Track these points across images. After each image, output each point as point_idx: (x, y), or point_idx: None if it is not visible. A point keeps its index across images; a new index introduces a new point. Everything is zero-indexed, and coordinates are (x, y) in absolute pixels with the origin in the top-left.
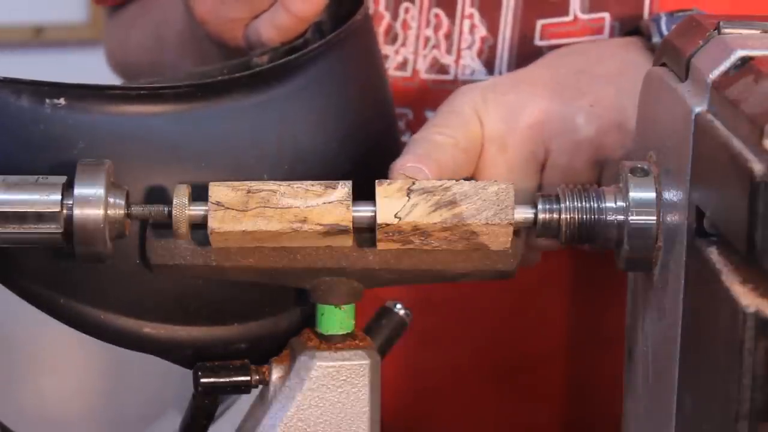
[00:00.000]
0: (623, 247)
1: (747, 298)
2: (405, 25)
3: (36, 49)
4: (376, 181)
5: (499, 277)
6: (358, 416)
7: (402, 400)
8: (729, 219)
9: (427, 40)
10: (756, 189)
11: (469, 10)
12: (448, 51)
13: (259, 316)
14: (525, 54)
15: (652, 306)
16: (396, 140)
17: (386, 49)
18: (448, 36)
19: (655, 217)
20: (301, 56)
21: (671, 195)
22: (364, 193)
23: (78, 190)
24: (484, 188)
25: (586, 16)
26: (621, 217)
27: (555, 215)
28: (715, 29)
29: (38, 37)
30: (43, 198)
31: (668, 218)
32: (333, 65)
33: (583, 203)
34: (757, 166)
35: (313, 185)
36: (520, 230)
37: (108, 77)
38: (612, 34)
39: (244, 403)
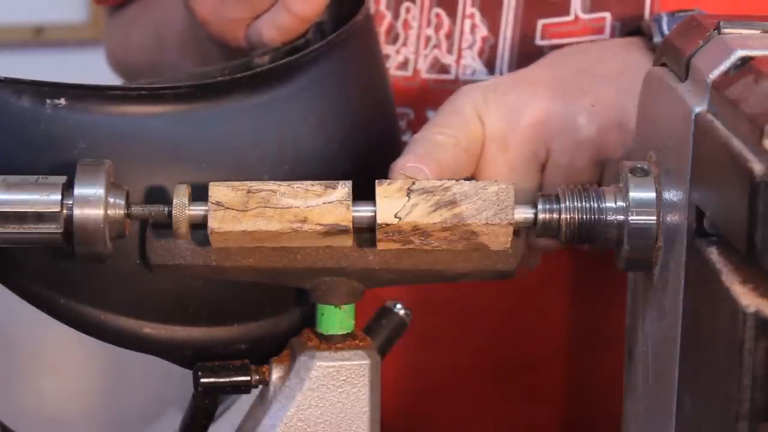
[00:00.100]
0: (623, 247)
1: (747, 298)
2: (406, 25)
3: (36, 49)
4: (376, 181)
5: (499, 277)
6: (358, 416)
7: (402, 400)
8: (729, 219)
9: (428, 39)
10: (756, 189)
11: (470, 9)
12: (449, 51)
13: (259, 316)
14: (526, 54)
15: (652, 306)
16: (397, 140)
17: (387, 49)
18: (449, 36)
19: (655, 217)
20: (302, 57)
21: (671, 195)
22: (364, 193)
23: (78, 190)
24: (484, 188)
25: (587, 16)
26: (621, 217)
27: (555, 215)
28: (715, 29)
29: (38, 37)
30: (43, 198)
31: (668, 218)
32: (334, 66)
33: (583, 203)
34: (757, 166)
35: (313, 185)
36: (520, 230)
37: (108, 77)
38: (613, 34)
39: (244, 403)
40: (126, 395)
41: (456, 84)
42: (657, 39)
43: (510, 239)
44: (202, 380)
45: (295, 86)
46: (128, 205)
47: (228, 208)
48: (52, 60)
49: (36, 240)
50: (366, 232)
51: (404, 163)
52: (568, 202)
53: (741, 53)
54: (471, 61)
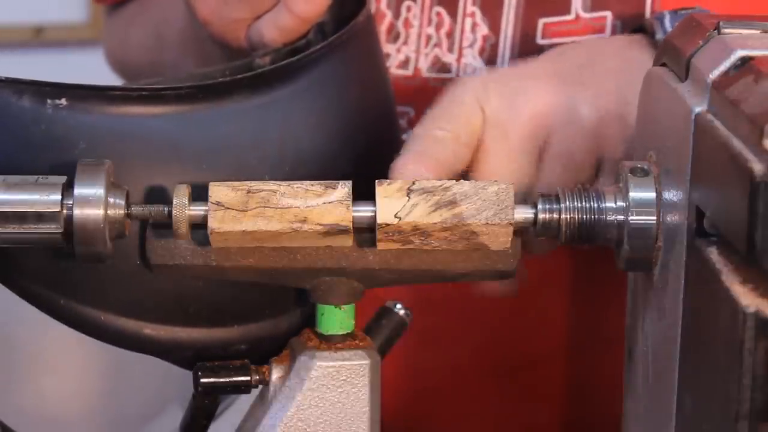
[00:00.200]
0: (623, 247)
1: (747, 298)
2: (407, 24)
3: (36, 49)
4: (376, 181)
5: (499, 277)
6: (358, 416)
7: (402, 400)
8: (729, 219)
9: (429, 38)
10: (756, 189)
11: (470, 8)
12: (450, 49)
13: (259, 317)
14: (527, 52)
15: (652, 306)
16: (397, 140)
17: (388, 48)
18: (450, 34)
19: (655, 217)
20: (303, 58)
21: (671, 195)
22: (364, 193)
23: (78, 190)
24: (484, 188)
25: (587, 15)
26: (621, 217)
27: (555, 215)
28: (715, 29)
29: (38, 37)
30: (43, 198)
31: (668, 218)
32: (335, 67)
33: (583, 203)
34: (757, 166)
35: (313, 185)
36: (520, 230)
37: (108, 77)
38: (614, 33)
39: (243, 403)
40: (126, 395)
41: None
42: (659, 36)
43: (510, 239)
44: (202, 380)
45: (296, 87)
46: (128, 205)
47: (228, 208)
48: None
49: (36, 240)
50: (366, 232)
51: (404, 164)
52: (568, 202)
53: (741, 53)
54: (472, 59)
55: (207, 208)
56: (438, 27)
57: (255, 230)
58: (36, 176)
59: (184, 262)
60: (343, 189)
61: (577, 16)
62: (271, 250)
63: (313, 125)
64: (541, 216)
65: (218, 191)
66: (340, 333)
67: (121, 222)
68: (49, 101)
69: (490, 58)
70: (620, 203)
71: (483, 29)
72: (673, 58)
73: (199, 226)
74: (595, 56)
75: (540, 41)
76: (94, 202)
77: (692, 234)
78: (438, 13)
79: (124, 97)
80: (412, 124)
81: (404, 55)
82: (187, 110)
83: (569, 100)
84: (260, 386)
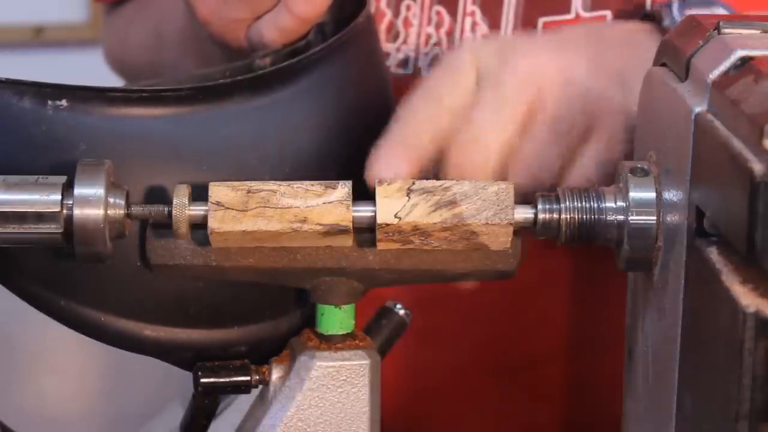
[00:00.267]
0: (623, 247)
1: (747, 298)
2: (407, 23)
3: (36, 49)
4: (376, 180)
5: (499, 277)
6: (358, 416)
7: (402, 400)
8: (729, 219)
9: (429, 37)
10: (756, 189)
11: (470, 7)
12: (450, 48)
13: (258, 319)
14: None
15: (652, 306)
16: None
17: (388, 47)
18: (450, 34)
19: (655, 217)
20: (303, 59)
21: (671, 195)
22: (364, 194)
23: (78, 190)
24: (484, 188)
25: (587, 14)
26: (621, 217)
27: (555, 215)
28: (715, 29)
29: (38, 37)
30: (43, 198)
31: (668, 218)
32: (335, 68)
33: (583, 203)
34: (757, 166)
35: (313, 185)
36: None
37: (108, 77)
38: None
39: (243, 403)
40: (126, 395)
41: None
42: (667, 23)
43: (510, 239)
44: (202, 380)
45: (296, 88)
46: (128, 205)
47: (228, 208)
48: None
49: (36, 240)
50: (366, 232)
51: (377, 158)
52: (568, 202)
53: (741, 53)
54: None
55: (207, 208)
56: (438, 26)
57: (255, 230)
58: (36, 176)
59: (184, 262)
60: (343, 189)
61: (577, 15)
62: (271, 250)
63: (314, 126)
64: (541, 216)
65: (218, 191)
66: (340, 333)
67: (121, 222)
68: (49, 102)
69: None
70: (620, 203)
71: (483, 28)
72: (673, 58)
73: (199, 226)
74: (596, 33)
75: None
76: (94, 202)
77: (692, 234)
78: (438, 12)
79: (124, 99)
80: None
81: (404, 55)
82: (187, 112)
83: (565, 62)
84: (260, 386)
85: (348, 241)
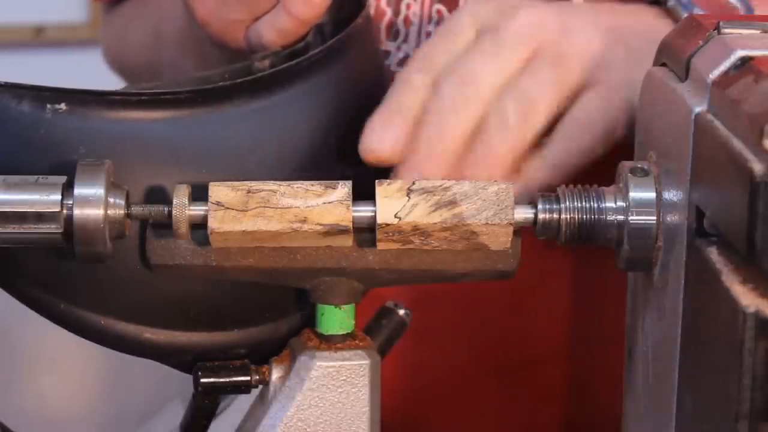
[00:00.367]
0: (623, 247)
1: (747, 298)
2: (407, 21)
3: (36, 49)
4: (376, 181)
5: (499, 277)
6: (358, 416)
7: (401, 400)
8: (729, 219)
9: (429, 36)
10: (756, 189)
11: None
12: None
13: (258, 321)
14: None
15: (652, 306)
16: None
17: (388, 45)
18: None
19: (655, 217)
20: (302, 61)
21: (671, 195)
22: (364, 194)
23: (78, 190)
24: (484, 188)
25: None
26: (621, 217)
27: (555, 215)
28: (715, 29)
29: (38, 37)
30: (43, 198)
31: (668, 218)
32: (334, 70)
33: (583, 203)
34: (757, 166)
35: (313, 185)
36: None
37: (109, 77)
38: None
39: (243, 403)
40: (126, 395)
41: None
42: (672, 3)
43: (510, 239)
44: (202, 380)
45: (295, 91)
46: (128, 205)
47: (228, 208)
48: (52, 60)
49: (36, 240)
50: (366, 232)
51: (372, 128)
52: (568, 202)
53: (741, 53)
54: None
55: (207, 208)
56: (438, 24)
57: (255, 230)
58: (36, 176)
59: (184, 262)
60: (343, 189)
61: None
62: (271, 250)
63: (313, 128)
64: (541, 216)
65: (218, 191)
66: (340, 333)
67: (121, 222)
68: (48, 106)
69: None
70: (620, 203)
71: None
72: (673, 58)
73: (199, 226)
74: (597, 5)
75: None
76: (94, 202)
77: (692, 234)
78: (438, 11)
79: (123, 102)
80: None
81: (404, 53)
82: (186, 114)
83: (564, 18)
84: (260, 386)
85: (348, 241)
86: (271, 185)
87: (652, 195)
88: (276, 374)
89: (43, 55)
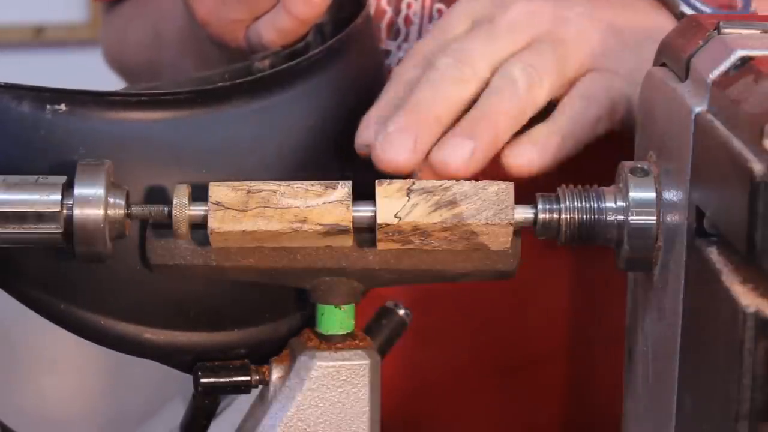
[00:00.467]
0: (623, 247)
1: (747, 298)
2: (407, 21)
3: (36, 49)
4: (376, 181)
5: (499, 277)
6: (358, 416)
7: (401, 399)
8: (729, 219)
9: None
10: (756, 189)
11: None
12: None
13: (258, 321)
14: None
15: (652, 306)
16: None
17: (389, 45)
18: None
19: (655, 217)
20: (302, 62)
21: (671, 195)
22: (364, 194)
23: (78, 190)
24: (484, 188)
25: None
26: (621, 217)
27: (555, 215)
28: (715, 29)
29: (38, 37)
30: (43, 198)
31: (668, 218)
32: (334, 70)
33: (583, 203)
34: (757, 166)
35: (313, 185)
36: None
37: (109, 77)
38: None
39: (243, 403)
40: (126, 395)
41: None
42: None
43: (510, 239)
44: (202, 380)
45: (295, 91)
46: (128, 205)
47: (228, 208)
48: (52, 60)
49: (36, 240)
50: (366, 232)
51: (367, 125)
52: (568, 202)
53: (741, 53)
54: None
55: (207, 208)
56: None
57: (255, 230)
58: (36, 176)
59: (184, 262)
60: (343, 189)
61: None
62: (271, 250)
63: (313, 129)
64: (541, 216)
65: (218, 191)
66: (340, 333)
67: (121, 222)
68: (48, 107)
69: None
70: (620, 203)
71: None
72: (673, 58)
73: (199, 226)
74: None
75: None
76: (94, 202)
77: (692, 234)
78: (439, 10)
79: (123, 103)
80: None
81: (405, 52)
82: (186, 115)
83: (559, 10)
84: (260, 386)
85: (348, 241)
86: (271, 185)
87: (652, 195)
88: (276, 374)
89: (43, 55)
